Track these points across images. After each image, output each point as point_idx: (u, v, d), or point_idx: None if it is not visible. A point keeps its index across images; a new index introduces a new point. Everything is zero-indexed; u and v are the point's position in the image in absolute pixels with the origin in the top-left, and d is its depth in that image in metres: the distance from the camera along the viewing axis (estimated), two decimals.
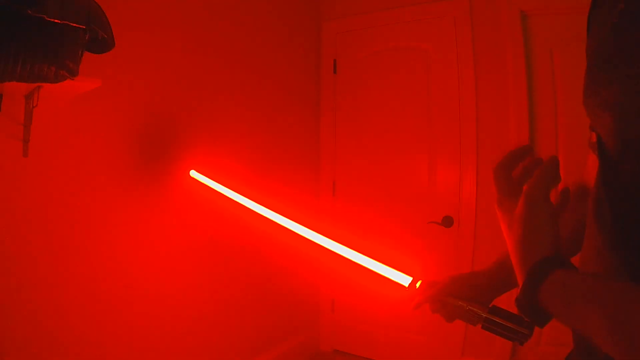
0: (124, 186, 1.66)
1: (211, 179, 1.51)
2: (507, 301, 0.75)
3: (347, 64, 2.75)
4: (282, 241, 2.11)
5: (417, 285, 0.82)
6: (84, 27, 1.13)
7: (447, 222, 2.39)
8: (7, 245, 1.34)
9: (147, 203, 1.75)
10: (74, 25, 1.10)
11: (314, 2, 2.80)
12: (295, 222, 1.07)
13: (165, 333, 1.83)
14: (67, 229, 1.49)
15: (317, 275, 2.80)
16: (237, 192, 1.32)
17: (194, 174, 1.59)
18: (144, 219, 1.74)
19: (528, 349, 2.24)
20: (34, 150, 1.35)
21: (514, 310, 0.56)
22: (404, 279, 0.85)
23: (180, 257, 1.90)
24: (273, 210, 1.16)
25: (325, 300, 2.82)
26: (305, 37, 2.72)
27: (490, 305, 0.73)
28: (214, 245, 2.05)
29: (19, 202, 1.36)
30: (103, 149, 1.59)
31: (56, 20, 1.05)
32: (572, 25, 2.10)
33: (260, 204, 1.22)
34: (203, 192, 1.56)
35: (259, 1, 2.33)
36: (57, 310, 1.46)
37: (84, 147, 1.53)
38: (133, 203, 1.69)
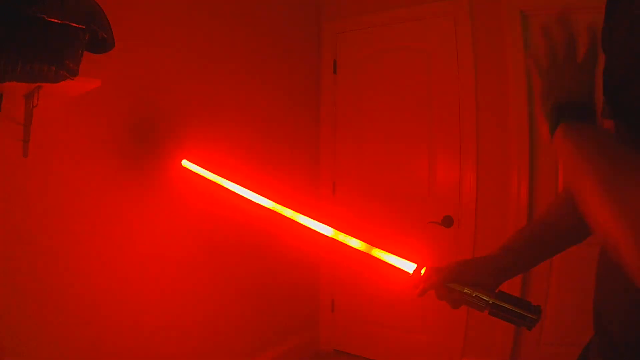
0: (124, 185, 1.66)
1: (211, 177, 1.50)
2: (510, 287, 0.75)
3: (347, 64, 2.75)
4: (282, 240, 2.11)
5: (422, 272, 0.82)
6: (84, 27, 1.13)
7: (447, 222, 2.39)
8: (7, 244, 1.34)
9: (148, 202, 1.75)
10: (74, 25, 1.10)
11: (314, 2, 2.80)
12: (295, 211, 1.06)
13: (163, 332, 1.83)
14: (67, 228, 1.49)
15: (317, 275, 2.80)
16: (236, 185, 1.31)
17: (188, 164, 1.58)
18: (144, 217, 1.74)
19: (528, 349, 2.24)
20: (34, 150, 1.35)
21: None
22: (409, 266, 0.84)
23: (179, 256, 1.90)
24: (271, 200, 1.15)
25: (325, 300, 2.82)
26: (306, 37, 2.72)
27: (496, 291, 0.73)
28: (212, 243, 2.05)
29: (19, 202, 1.36)
30: (102, 148, 1.59)
31: (56, 20, 1.05)
32: (572, 25, 2.10)
33: (257, 193, 1.21)
34: (202, 191, 1.56)
35: (260, 0, 2.33)
36: (58, 310, 1.46)
37: (84, 146, 1.53)
38: (133, 201, 1.69)
